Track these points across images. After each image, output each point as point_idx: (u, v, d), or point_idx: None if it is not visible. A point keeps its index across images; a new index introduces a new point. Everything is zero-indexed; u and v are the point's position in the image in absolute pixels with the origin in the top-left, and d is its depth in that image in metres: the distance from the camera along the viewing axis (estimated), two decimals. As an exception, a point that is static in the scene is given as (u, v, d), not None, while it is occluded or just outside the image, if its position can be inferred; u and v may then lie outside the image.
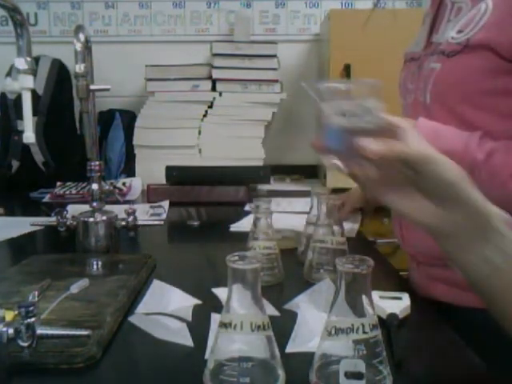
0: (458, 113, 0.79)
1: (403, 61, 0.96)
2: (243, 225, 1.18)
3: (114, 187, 1.60)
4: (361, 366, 0.48)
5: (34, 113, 0.91)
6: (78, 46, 0.96)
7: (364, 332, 0.48)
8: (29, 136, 0.88)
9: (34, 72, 0.87)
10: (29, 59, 0.86)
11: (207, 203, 1.51)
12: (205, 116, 1.82)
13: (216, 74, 1.84)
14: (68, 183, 1.67)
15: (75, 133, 1.86)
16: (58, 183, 1.67)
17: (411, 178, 0.49)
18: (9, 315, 0.61)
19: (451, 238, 0.50)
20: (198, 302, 0.75)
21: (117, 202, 1.41)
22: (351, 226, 1.18)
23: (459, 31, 0.79)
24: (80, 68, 0.96)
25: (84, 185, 1.61)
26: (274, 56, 1.84)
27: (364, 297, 0.49)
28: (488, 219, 0.49)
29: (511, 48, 0.72)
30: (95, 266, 0.90)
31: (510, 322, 0.51)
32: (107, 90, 1.01)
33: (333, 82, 0.53)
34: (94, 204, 1.01)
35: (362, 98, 0.52)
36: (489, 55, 0.74)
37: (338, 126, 0.51)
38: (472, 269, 0.51)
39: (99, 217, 1.00)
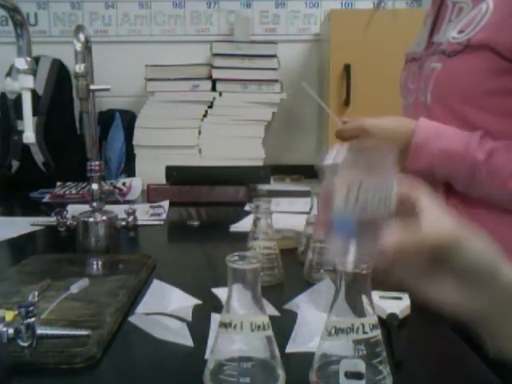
0: (458, 113, 0.79)
1: (404, 61, 0.96)
2: (243, 225, 1.18)
3: (114, 187, 1.60)
4: (361, 366, 0.48)
5: (34, 113, 0.91)
6: (78, 46, 0.96)
7: (364, 332, 0.48)
8: (29, 136, 0.88)
9: (34, 72, 0.87)
10: (29, 59, 0.86)
11: (207, 203, 1.51)
12: (205, 116, 1.83)
13: (216, 74, 1.84)
14: (68, 183, 1.67)
15: (75, 133, 1.86)
16: (58, 183, 1.67)
17: (431, 263, 0.44)
18: (9, 315, 0.61)
19: (481, 319, 0.46)
20: (198, 302, 0.75)
21: (117, 202, 1.42)
22: None
23: (460, 31, 0.79)
24: (80, 68, 0.96)
25: (84, 185, 1.61)
26: (274, 56, 1.84)
27: (364, 297, 0.49)
28: None
29: (511, 48, 0.73)
30: (95, 266, 0.90)
31: None
32: (107, 89, 1.01)
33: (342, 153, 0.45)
34: (94, 204, 1.01)
35: (376, 173, 0.44)
36: (489, 55, 0.74)
37: (349, 215, 0.44)
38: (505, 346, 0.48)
39: (99, 217, 1.00)
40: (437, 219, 0.44)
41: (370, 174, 0.43)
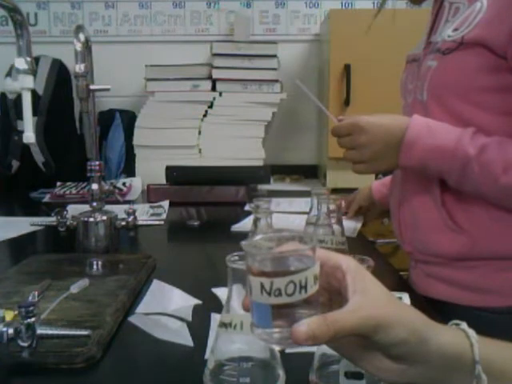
0: (454, 109, 0.79)
1: (405, 62, 0.96)
2: (245, 225, 1.18)
3: (114, 187, 1.60)
4: (361, 366, 0.48)
5: (34, 113, 0.92)
6: (78, 46, 0.96)
7: (364, 332, 0.48)
8: (29, 136, 0.88)
9: (33, 72, 0.87)
10: (29, 59, 0.86)
11: (207, 203, 1.51)
12: (205, 116, 1.83)
13: (216, 74, 1.84)
14: (68, 183, 1.68)
15: (75, 133, 1.86)
16: (58, 183, 1.67)
17: (362, 342, 0.42)
18: (9, 315, 0.61)
19: None
20: (198, 302, 0.75)
21: (117, 202, 1.41)
22: (354, 226, 1.18)
23: (455, 29, 0.79)
24: (80, 68, 0.96)
25: (84, 185, 1.61)
26: (274, 56, 1.84)
27: (364, 297, 0.49)
28: (448, 363, 0.44)
29: (504, 45, 0.73)
30: (95, 266, 0.90)
31: None
32: (107, 89, 1.01)
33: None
34: (94, 204, 1.01)
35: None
36: (482, 52, 0.75)
37: (264, 302, 0.40)
38: None
39: (99, 217, 1.00)
40: (358, 302, 0.42)
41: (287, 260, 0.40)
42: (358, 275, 0.43)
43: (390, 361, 0.43)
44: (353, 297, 0.42)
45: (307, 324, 0.40)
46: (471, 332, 0.45)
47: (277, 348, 0.48)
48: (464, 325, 0.46)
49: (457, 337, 0.44)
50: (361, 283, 0.43)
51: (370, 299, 0.42)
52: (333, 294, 0.45)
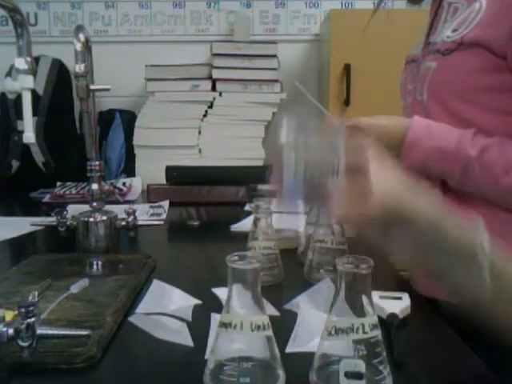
0: (454, 110, 0.79)
1: (404, 63, 0.96)
2: (244, 225, 1.18)
3: (114, 187, 1.60)
4: (361, 366, 0.48)
5: (34, 113, 0.91)
6: (78, 46, 0.96)
7: (364, 332, 0.48)
8: (29, 136, 0.88)
9: (33, 72, 0.87)
10: (29, 59, 0.86)
11: (207, 203, 1.51)
12: (205, 116, 1.82)
13: (216, 74, 1.83)
14: (68, 183, 1.67)
15: (75, 133, 1.86)
16: (58, 183, 1.67)
17: (389, 228, 0.48)
18: (9, 315, 0.61)
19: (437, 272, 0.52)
20: (198, 302, 0.75)
21: (117, 202, 1.41)
22: None
23: (454, 30, 0.79)
24: (80, 68, 0.96)
25: (84, 185, 1.61)
26: (274, 56, 1.84)
27: (364, 297, 0.49)
28: (465, 249, 0.49)
29: (503, 45, 0.73)
30: (95, 266, 0.90)
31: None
32: (107, 89, 1.01)
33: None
34: (94, 204, 1.01)
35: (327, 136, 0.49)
36: (482, 52, 0.75)
37: (298, 179, 0.48)
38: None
39: (99, 217, 1.00)
40: (383, 185, 0.47)
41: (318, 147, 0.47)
42: (381, 165, 0.48)
43: (412, 247, 0.48)
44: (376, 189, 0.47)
45: (343, 207, 0.46)
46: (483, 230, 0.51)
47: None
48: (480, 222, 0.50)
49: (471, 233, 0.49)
50: (383, 174, 0.48)
51: (390, 191, 0.47)
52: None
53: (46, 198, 1.60)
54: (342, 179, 0.46)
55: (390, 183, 0.48)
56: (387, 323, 0.66)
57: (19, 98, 0.89)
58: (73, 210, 1.15)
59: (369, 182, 0.47)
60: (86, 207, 1.03)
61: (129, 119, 1.93)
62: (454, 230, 0.48)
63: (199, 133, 1.81)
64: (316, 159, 0.48)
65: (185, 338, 0.64)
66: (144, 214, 1.35)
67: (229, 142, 1.80)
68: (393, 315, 0.67)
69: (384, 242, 0.49)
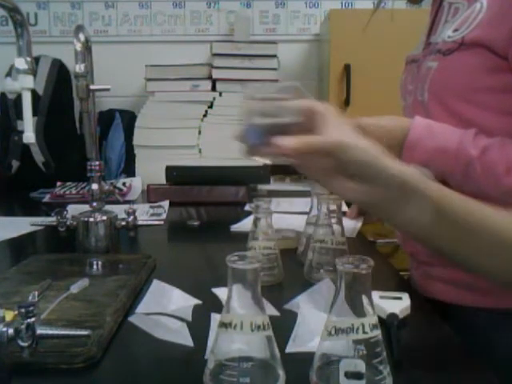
0: (455, 110, 0.79)
1: (404, 63, 0.96)
2: (244, 225, 1.18)
3: (114, 187, 1.60)
4: (361, 366, 0.48)
5: (34, 113, 0.91)
6: (78, 46, 0.96)
7: (364, 332, 0.48)
8: (29, 136, 0.88)
9: (33, 72, 0.87)
10: (29, 59, 0.86)
11: (207, 203, 1.50)
12: (205, 116, 1.82)
13: (216, 74, 1.83)
14: (68, 183, 1.67)
15: (75, 133, 1.86)
16: (58, 183, 1.67)
17: (332, 164, 0.54)
18: (9, 315, 0.61)
19: (380, 208, 0.56)
20: (198, 302, 0.75)
21: (117, 202, 1.41)
22: (354, 226, 1.17)
23: (455, 30, 0.79)
24: (80, 68, 0.96)
25: (84, 185, 1.61)
26: (274, 56, 1.84)
27: (364, 297, 0.49)
28: (405, 184, 0.54)
29: (504, 45, 0.73)
30: (95, 266, 0.90)
31: (463, 260, 0.59)
32: (107, 89, 1.01)
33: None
34: (94, 204, 1.01)
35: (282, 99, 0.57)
36: (483, 52, 0.75)
37: (256, 125, 0.59)
38: (405, 229, 0.60)
39: (99, 217, 1.00)
40: (335, 125, 0.55)
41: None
42: (334, 118, 0.56)
43: (354, 182, 0.54)
44: (326, 129, 0.55)
45: (294, 138, 0.54)
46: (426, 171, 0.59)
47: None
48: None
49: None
50: (333, 123, 0.55)
51: (337, 130, 0.55)
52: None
53: (46, 198, 1.60)
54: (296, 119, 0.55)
55: (338, 127, 0.55)
56: (387, 323, 0.66)
57: (19, 98, 0.89)
58: (73, 210, 1.15)
59: (320, 124, 0.55)
60: (86, 207, 1.03)
61: (129, 119, 1.93)
62: (393, 165, 0.54)
63: (199, 133, 1.81)
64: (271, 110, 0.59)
65: (185, 338, 0.64)
66: (144, 214, 1.35)
67: (229, 142, 1.79)
68: (393, 315, 0.67)
69: (327, 181, 0.56)
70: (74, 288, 0.76)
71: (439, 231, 0.56)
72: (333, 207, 0.85)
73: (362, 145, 0.54)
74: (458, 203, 0.57)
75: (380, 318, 0.54)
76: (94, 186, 1.00)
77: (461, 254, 0.58)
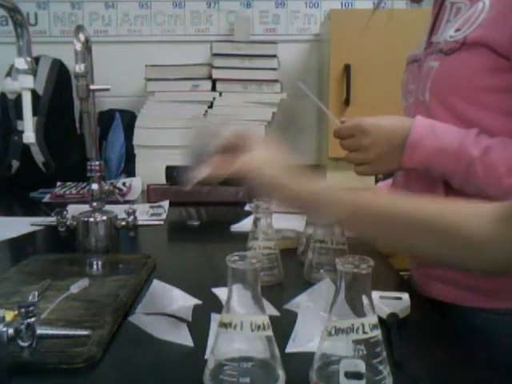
0: (456, 110, 0.79)
1: (406, 63, 0.96)
2: (244, 225, 1.18)
3: (114, 187, 1.60)
4: (361, 366, 0.48)
5: (34, 113, 0.91)
6: (78, 46, 0.96)
7: (364, 332, 0.48)
8: (29, 136, 0.88)
9: (33, 72, 0.87)
10: (29, 59, 0.86)
11: (207, 203, 1.50)
12: (205, 116, 1.82)
13: (216, 74, 1.83)
14: (68, 183, 1.67)
15: (75, 133, 1.86)
16: (58, 183, 1.67)
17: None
18: (9, 315, 0.61)
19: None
20: (198, 302, 0.75)
21: (117, 202, 1.41)
22: None
23: (457, 30, 0.79)
24: (80, 68, 0.96)
25: (84, 185, 1.61)
26: (274, 56, 1.84)
27: (364, 297, 0.49)
28: (316, 200, 0.63)
29: (507, 45, 0.73)
30: (95, 266, 0.90)
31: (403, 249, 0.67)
32: (107, 89, 1.01)
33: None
34: (94, 204, 1.01)
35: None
36: (485, 52, 0.75)
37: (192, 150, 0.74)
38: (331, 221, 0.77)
39: (99, 217, 1.00)
40: (252, 155, 0.65)
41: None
42: (259, 146, 0.67)
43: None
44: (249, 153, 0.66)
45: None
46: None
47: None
48: None
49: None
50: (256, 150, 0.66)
51: (250, 156, 0.65)
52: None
53: (46, 198, 1.60)
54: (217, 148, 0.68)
55: (258, 156, 0.65)
56: (387, 323, 0.66)
57: (19, 97, 0.89)
58: (73, 209, 1.15)
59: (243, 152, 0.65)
60: (86, 207, 1.03)
61: (129, 119, 1.93)
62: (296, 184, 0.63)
63: (199, 133, 1.81)
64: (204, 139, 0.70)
65: (185, 338, 0.64)
66: (144, 214, 1.35)
67: (229, 142, 1.80)
68: (393, 315, 0.68)
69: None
70: (74, 288, 0.76)
71: (358, 222, 0.63)
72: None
73: (270, 173, 0.64)
74: (375, 200, 0.64)
75: (380, 318, 0.54)
76: (94, 186, 1.00)
77: (389, 240, 0.63)
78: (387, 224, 0.60)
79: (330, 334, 0.50)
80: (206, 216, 1.41)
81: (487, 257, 0.55)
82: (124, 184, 1.66)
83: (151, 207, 1.41)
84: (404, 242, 0.60)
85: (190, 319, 0.70)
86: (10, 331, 0.57)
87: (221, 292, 0.74)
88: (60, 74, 1.84)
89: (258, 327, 0.49)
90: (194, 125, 0.74)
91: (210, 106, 1.83)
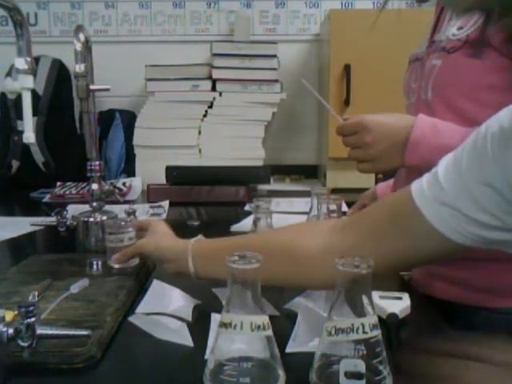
0: (458, 108, 0.79)
1: (408, 62, 0.96)
2: (244, 225, 1.18)
3: (114, 187, 1.60)
4: (361, 366, 0.48)
5: (34, 113, 0.91)
6: (78, 46, 0.96)
7: (364, 332, 0.48)
8: (29, 136, 0.88)
9: (33, 72, 0.87)
10: (29, 59, 0.86)
11: (207, 203, 1.50)
12: (205, 116, 1.82)
13: (216, 74, 1.84)
14: (68, 183, 1.67)
15: (75, 133, 1.86)
16: (58, 183, 1.67)
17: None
18: (9, 315, 0.61)
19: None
20: (198, 302, 0.75)
21: (117, 202, 1.41)
22: None
23: (459, 28, 0.79)
24: (80, 68, 0.96)
25: (84, 185, 1.61)
26: (274, 56, 1.84)
27: (364, 297, 0.49)
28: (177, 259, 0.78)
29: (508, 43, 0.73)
30: (95, 266, 0.90)
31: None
32: (107, 89, 1.01)
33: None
34: (94, 204, 1.01)
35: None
36: (488, 50, 0.75)
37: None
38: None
39: (99, 217, 1.00)
40: (150, 238, 0.83)
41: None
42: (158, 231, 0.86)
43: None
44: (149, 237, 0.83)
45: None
46: None
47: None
48: None
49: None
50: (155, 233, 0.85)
51: (150, 239, 0.82)
52: None
53: (46, 198, 1.60)
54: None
55: (156, 237, 0.83)
56: (387, 323, 0.66)
57: (19, 97, 0.89)
58: (73, 209, 1.16)
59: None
60: (86, 207, 1.03)
61: (129, 119, 1.93)
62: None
63: (199, 133, 1.81)
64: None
65: (185, 338, 0.64)
66: (144, 214, 1.35)
67: (229, 142, 1.81)
68: (393, 315, 0.67)
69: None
70: (74, 288, 0.76)
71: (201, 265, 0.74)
72: (333, 207, 0.85)
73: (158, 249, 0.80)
74: (211, 243, 0.82)
75: (380, 318, 0.54)
76: (94, 186, 1.00)
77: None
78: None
79: (329, 333, 0.50)
80: (206, 216, 1.41)
81: (320, 270, 0.61)
82: (124, 184, 1.66)
83: (151, 207, 1.41)
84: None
85: (190, 319, 0.69)
86: (10, 331, 0.57)
87: (221, 292, 0.74)
88: (60, 73, 1.85)
89: (258, 327, 0.49)
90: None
91: (210, 106, 1.83)
